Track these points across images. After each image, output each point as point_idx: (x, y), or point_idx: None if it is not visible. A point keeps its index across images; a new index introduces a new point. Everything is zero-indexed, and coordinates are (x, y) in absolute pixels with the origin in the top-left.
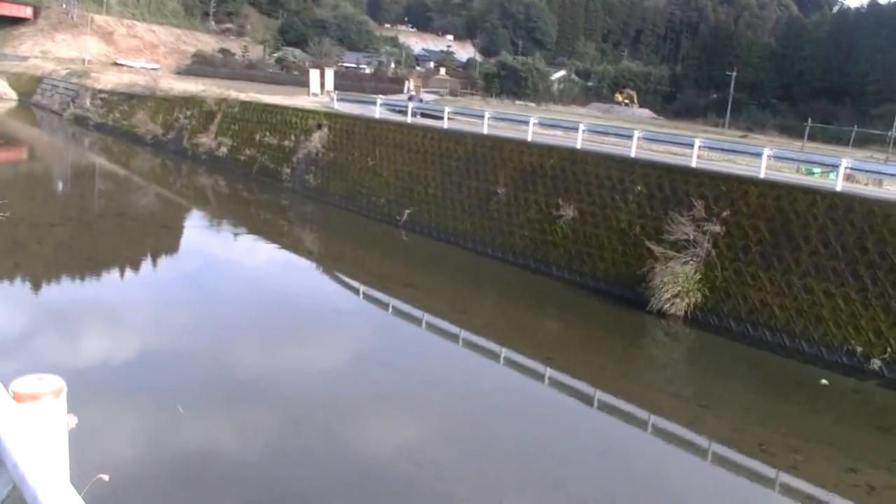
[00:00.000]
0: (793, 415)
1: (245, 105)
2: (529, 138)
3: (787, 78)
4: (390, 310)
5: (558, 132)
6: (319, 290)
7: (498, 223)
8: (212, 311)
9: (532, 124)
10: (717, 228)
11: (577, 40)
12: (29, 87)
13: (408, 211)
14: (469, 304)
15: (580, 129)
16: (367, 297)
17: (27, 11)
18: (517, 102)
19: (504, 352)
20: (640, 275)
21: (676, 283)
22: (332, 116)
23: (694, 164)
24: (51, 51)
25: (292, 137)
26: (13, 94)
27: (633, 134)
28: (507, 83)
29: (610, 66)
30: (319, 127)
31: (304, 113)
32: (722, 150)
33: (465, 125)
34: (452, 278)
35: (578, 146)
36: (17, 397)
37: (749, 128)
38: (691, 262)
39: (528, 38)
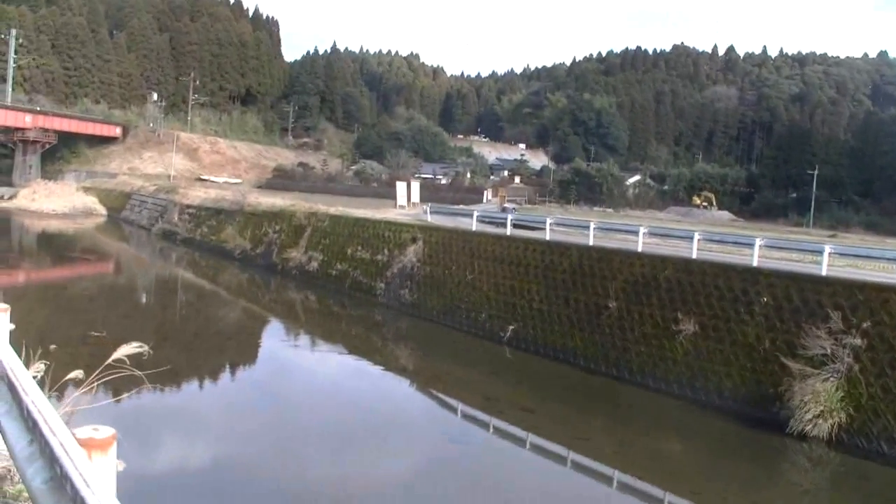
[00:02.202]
0: None
1: (335, 219)
2: (640, 248)
3: (868, 174)
4: (511, 439)
5: (657, 240)
6: (429, 415)
7: (610, 338)
8: (314, 441)
9: (642, 234)
10: (858, 341)
11: (648, 144)
12: (118, 203)
13: (511, 327)
14: (590, 429)
15: (695, 237)
16: (481, 423)
17: (117, 131)
18: (595, 209)
19: (644, 486)
20: (774, 393)
21: (818, 402)
22: (427, 229)
23: (824, 272)
24: (138, 167)
25: (385, 251)
26: (103, 210)
27: (755, 242)
28: (582, 189)
29: (685, 169)
30: (414, 240)
31: (396, 226)
32: (855, 255)
33: (561, 235)
34: (567, 400)
35: (694, 256)
36: (80, 443)
37: (833, 226)
38: (831, 379)
39: (601, 144)
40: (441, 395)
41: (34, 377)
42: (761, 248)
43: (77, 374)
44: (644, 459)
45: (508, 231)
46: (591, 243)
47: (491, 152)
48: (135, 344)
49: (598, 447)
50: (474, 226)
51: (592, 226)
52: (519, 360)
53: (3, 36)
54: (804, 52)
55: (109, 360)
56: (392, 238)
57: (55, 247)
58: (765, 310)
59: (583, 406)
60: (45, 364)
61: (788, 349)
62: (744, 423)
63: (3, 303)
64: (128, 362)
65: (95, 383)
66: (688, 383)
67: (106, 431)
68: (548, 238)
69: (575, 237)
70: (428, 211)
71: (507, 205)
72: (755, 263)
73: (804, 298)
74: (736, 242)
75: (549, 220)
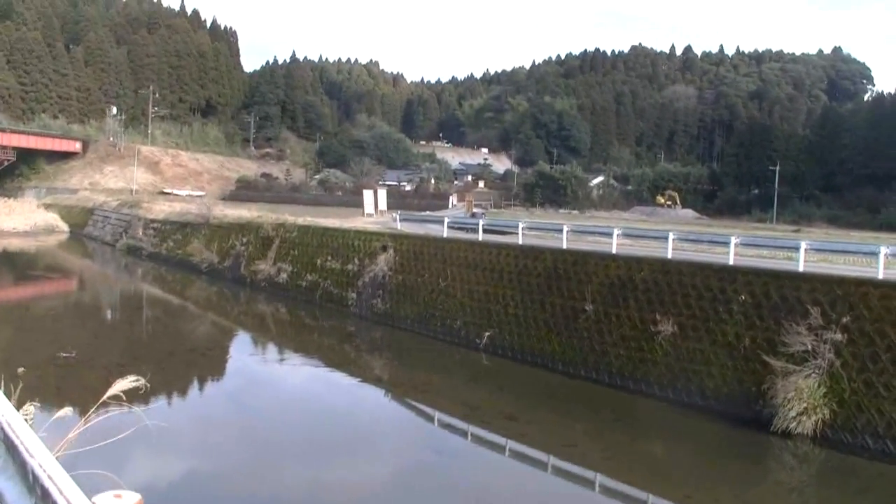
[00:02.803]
0: None
1: (303, 229)
2: (614, 250)
3: (827, 168)
4: (496, 448)
5: (630, 241)
6: (410, 425)
7: (588, 342)
8: (295, 456)
9: (616, 235)
10: (839, 336)
11: (610, 145)
12: (80, 219)
13: (487, 333)
14: (575, 435)
15: (670, 237)
16: (464, 433)
17: (76, 146)
18: (560, 211)
19: (635, 492)
20: (756, 392)
21: (801, 399)
22: (397, 237)
23: (801, 268)
24: (100, 182)
25: (356, 261)
26: (65, 227)
27: (730, 240)
28: (547, 192)
29: (647, 169)
30: (384, 249)
31: (366, 235)
32: (833, 251)
33: (534, 239)
34: (550, 406)
35: (669, 256)
36: None
37: (796, 221)
38: (813, 375)
39: (563, 147)
40: (421, 406)
41: (26, 418)
42: (737, 245)
43: (66, 412)
44: (632, 464)
45: (480, 237)
46: (564, 246)
47: (454, 157)
48: (131, 378)
49: (585, 453)
50: (445, 232)
51: (566, 229)
52: (497, 366)
53: None
54: (760, 50)
55: (105, 398)
56: (362, 247)
57: (17, 265)
58: (743, 308)
59: (566, 411)
60: (35, 406)
61: (769, 347)
62: (728, 422)
63: None
64: (124, 398)
65: (82, 425)
66: (669, 385)
67: (132, 498)
68: (521, 242)
69: (548, 241)
70: (397, 219)
71: (475, 210)
72: (731, 262)
73: (783, 295)
74: (711, 241)
75: (521, 225)
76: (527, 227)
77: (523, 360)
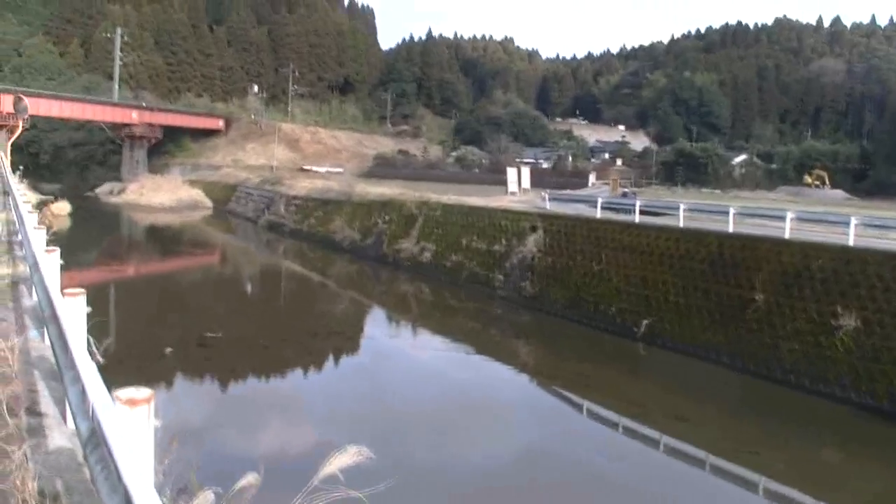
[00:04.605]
0: None
1: (448, 208)
2: (787, 235)
3: None
4: (672, 454)
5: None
6: (573, 426)
7: (758, 335)
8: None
9: (789, 219)
10: None
11: (752, 122)
12: (223, 195)
13: (645, 321)
14: (752, 439)
15: (852, 222)
16: (635, 434)
17: (220, 124)
18: (703, 190)
19: None
20: None
21: None
22: (547, 218)
23: None
24: (241, 159)
25: (503, 241)
26: (209, 203)
27: None
28: (686, 170)
29: (793, 147)
30: (534, 229)
31: (513, 215)
32: None
33: (690, 222)
34: (720, 406)
35: (851, 243)
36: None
37: None
38: None
39: (702, 124)
40: (583, 401)
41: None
42: None
43: (251, 479)
44: (826, 477)
45: (637, 218)
46: (730, 230)
47: (590, 135)
48: (352, 450)
49: (769, 463)
50: (599, 213)
51: (732, 211)
52: (656, 357)
53: (109, 35)
54: None
55: (321, 475)
56: (509, 227)
57: (164, 240)
58: None
59: (738, 412)
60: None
61: None
62: None
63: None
64: (341, 478)
65: None
66: (851, 386)
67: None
68: (681, 225)
69: (705, 223)
70: (546, 198)
71: (625, 189)
72: None
73: None
74: None
75: (682, 206)
76: (687, 209)
77: (684, 352)
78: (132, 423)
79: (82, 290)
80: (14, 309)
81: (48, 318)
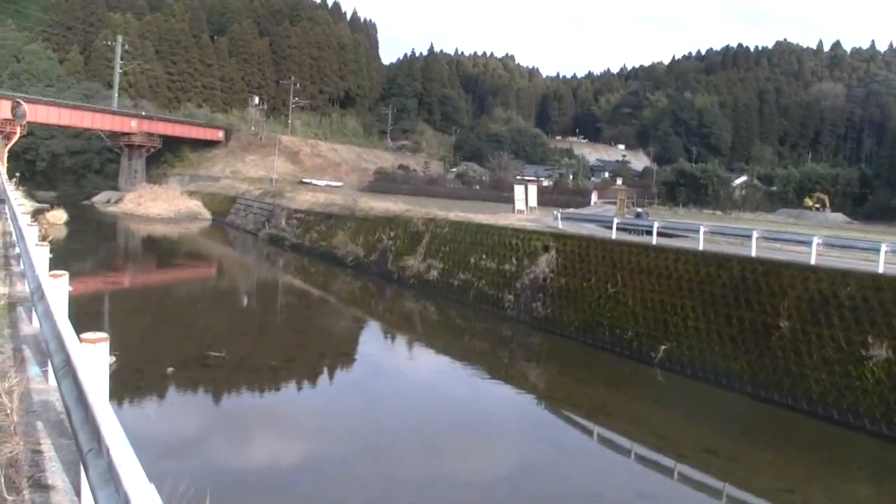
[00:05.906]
0: None
1: (455, 225)
2: (813, 261)
3: None
4: (709, 492)
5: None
6: (595, 458)
7: (783, 363)
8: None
9: (815, 245)
10: None
11: (752, 144)
12: (222, 207)
13: (663, 346)
14: (789, 475)
15: (882, 249)
16: (664, 469)
17: (219, 135)
18: (704, 211)
19: None
20: None
21: None
22: (559, 237)
23: None
24: (241, 170)
25: (514, 261)
26: (207, 214)
27: None
28: (687, 191)
29: (794, 169)
30: (546, 249)
31: (525, 234)
32: None
33: (708, 244)
34: (750, 438)
35: (881, 270)
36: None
37: None
38: None
39: (702, 144)
40: (604, 431)
41: None
42: None
43: None
44: None
45: (654, 240)
46: (753, 254)
47: (590, 153)
48: None
49: (807, 501)
50: (614, 234)
51: (755, 235)
52: (676, 384)
53: (109, 42)
54: None
55: None
56: (520, 246)
57: (161, 251)
58: None
59: (769, 445)
60: None
61: None
62: None
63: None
64: None
65: None
66: (883, 418)
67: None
68: (701, 248)
69: (722, 246)
70: (558, 217)
71: (638, 209)
72: None
73: None
74: None
75: (702, 229)
76: (707, 232)
77: (704, 379)
78: None
79: (105, 335)
80: (11, 337)
81: (59, 369)
